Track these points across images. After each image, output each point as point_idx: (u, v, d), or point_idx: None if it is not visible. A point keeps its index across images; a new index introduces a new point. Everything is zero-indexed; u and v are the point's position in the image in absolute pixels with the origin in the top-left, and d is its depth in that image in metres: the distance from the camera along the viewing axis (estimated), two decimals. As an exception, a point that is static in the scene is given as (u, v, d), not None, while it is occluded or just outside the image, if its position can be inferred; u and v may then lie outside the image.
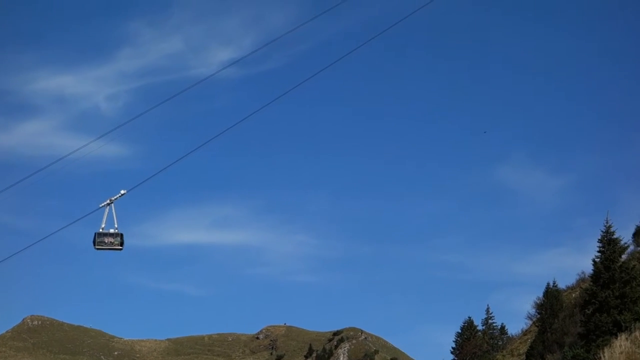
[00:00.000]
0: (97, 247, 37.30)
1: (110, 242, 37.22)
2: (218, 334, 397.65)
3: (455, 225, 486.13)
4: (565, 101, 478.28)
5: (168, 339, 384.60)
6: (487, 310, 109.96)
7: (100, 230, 37.12)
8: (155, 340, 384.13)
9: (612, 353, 42.59)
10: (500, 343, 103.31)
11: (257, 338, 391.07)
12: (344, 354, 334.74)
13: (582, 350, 50.93)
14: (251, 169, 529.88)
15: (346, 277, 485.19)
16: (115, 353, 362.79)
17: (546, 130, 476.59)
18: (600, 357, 43.73)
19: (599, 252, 52.40)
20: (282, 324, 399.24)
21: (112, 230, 37.18)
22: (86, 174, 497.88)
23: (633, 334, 44.79)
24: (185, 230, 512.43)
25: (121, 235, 37.40)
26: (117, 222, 37.11)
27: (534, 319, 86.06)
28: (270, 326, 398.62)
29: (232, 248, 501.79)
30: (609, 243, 51.94)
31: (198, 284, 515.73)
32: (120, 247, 37.44)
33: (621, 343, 43.25)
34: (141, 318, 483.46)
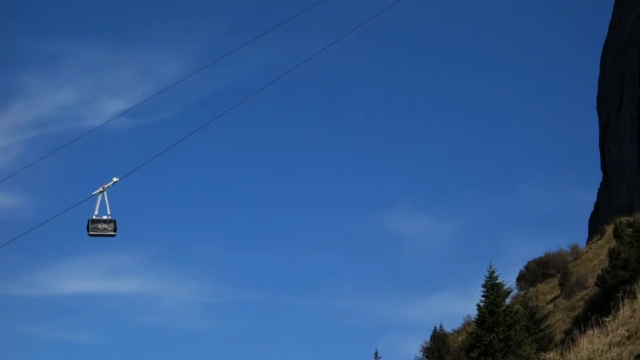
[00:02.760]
0: (90, 233, 36.50)
1: (104, 227, 36.47)
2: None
3: (345, 273, 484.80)
4: (448, 148, 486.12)
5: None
6: (376, 355, 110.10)
7: (94, 217, 36.45)
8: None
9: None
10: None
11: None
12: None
13: (468, 393, 51.59)
14: (143, 218, 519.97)
15: (239, 324, 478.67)
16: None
17: (431, 177, 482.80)
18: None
19: (483, 296, 53.33)
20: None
21: (105, 217, 36.57)
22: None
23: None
24: (78, 279, 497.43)
25: (114, 222, 36.66)
26: (109, 210, 36.62)
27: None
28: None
29: (125, 296, 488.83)
30: (492, 288, 52.92)
31: (90, 333, 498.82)
32: (114, 233, 36.71)
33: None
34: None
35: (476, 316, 54.85)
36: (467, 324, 79.88)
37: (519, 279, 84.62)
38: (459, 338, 79.57)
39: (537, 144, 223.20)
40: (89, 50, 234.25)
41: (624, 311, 31.86)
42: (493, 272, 53.67)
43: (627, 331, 29.61)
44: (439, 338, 78.60)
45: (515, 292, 73.64)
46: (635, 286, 34.07)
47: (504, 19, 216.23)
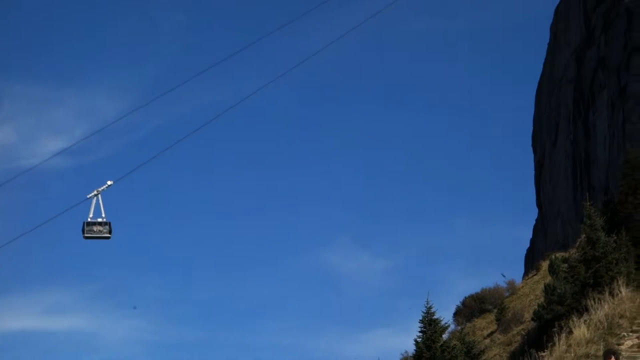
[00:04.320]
0: (86, 235, 37.18)
1: (99, 230, 37.16)
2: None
3: (285, 308, 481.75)
4: (386, 183, 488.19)
5: None
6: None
7: (89, 219, 37.06)
8: None
9: None
10: None
11: None
12: None
13: None
14: (82, 255, 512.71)
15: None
16: None
17: (370, 214, 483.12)
18: None
19: (420, 332, 53.12)
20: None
21: (99, 220, 37.19)
22: None
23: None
24: (14, 317, 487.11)
25: (109, 224, 37.34)
26: (104, 212, 37.31)
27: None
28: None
29: (64, 334, 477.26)
30: (429, 323, 52.68)
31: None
32: (109, 235, 37.40)
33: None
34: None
35: (414, 352, 54.68)
36: (405, 359, 79.88)
37: (455, 314, 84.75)
38: (397, 374, 79.47)
39: (473, 180, 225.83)
40: (28, 88, 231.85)
41: (560, 346, 31.95)
42: (430, 307, 53.51)
43: (564, 366, 29.65)
44: (376, 374, 78.39)
45: (452, 327, 73.71)
46: (571, 321, 34.16)
47: (435, 56, 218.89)
